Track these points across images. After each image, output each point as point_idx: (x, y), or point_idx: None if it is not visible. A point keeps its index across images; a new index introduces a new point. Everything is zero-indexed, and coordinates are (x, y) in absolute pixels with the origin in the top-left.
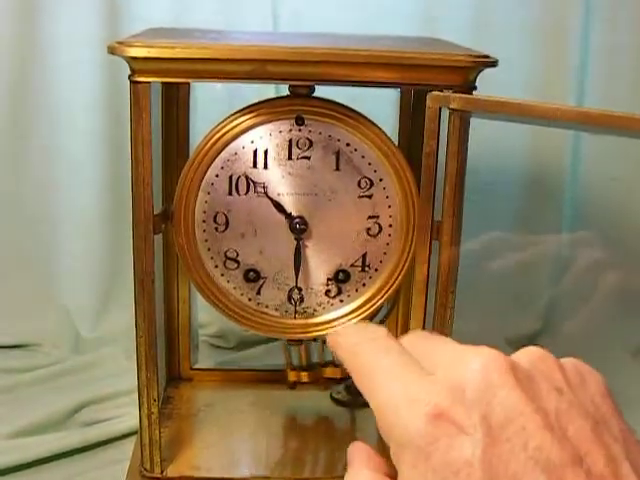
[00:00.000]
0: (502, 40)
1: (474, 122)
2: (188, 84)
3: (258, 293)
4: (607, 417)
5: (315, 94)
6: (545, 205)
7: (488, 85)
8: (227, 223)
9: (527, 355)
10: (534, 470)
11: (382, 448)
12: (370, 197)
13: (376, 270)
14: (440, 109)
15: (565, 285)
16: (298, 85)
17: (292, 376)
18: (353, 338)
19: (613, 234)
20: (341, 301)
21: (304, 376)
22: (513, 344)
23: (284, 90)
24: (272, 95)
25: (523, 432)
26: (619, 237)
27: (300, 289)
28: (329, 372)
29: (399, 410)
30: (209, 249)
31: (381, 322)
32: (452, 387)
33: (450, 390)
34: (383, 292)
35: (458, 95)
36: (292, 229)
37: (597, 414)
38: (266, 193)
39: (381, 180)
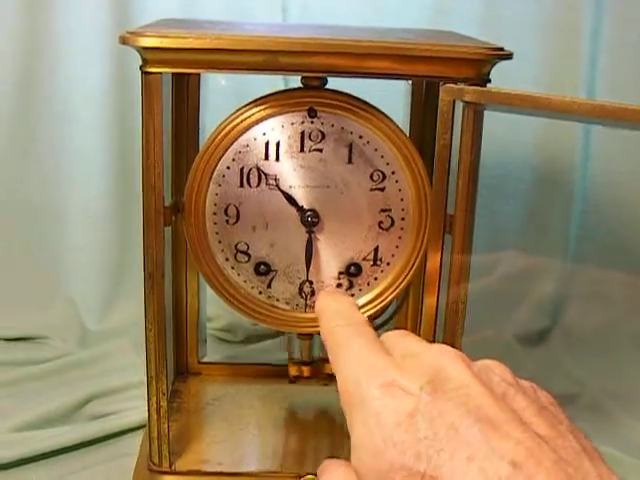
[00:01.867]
0: (513, 33)
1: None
2: (199, 75)
3: (269, 286)
4: (555, 412)
5: (327, 86)
6: (554, 200)
7: (498, 78)
8: (238, 215)
9: (485, 361)
10: (469, 419)
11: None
12: (382, 190)
13: (388, 264)
14: (454, 102)
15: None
16: (310, 77)
17: (293, 370)
18: (334, 321)
19: (623, 229)
20: (352, 295)
21: (305, 370)
22: (522, 340)
23: (293, 82)
24: (282, 87)
25: (466, 396)
26: (629, 232)
27: (311, 282)
28: (330, 368)
29: (360, 382)
30: (220, 242)
31: (391, 317)
32: (408, 365)
33: (405, 367)
34: (395, 286)
35: (472, 88)
36: (304, 222)
37: (544, 406)
38: (278, 185)
39: (393, 173)
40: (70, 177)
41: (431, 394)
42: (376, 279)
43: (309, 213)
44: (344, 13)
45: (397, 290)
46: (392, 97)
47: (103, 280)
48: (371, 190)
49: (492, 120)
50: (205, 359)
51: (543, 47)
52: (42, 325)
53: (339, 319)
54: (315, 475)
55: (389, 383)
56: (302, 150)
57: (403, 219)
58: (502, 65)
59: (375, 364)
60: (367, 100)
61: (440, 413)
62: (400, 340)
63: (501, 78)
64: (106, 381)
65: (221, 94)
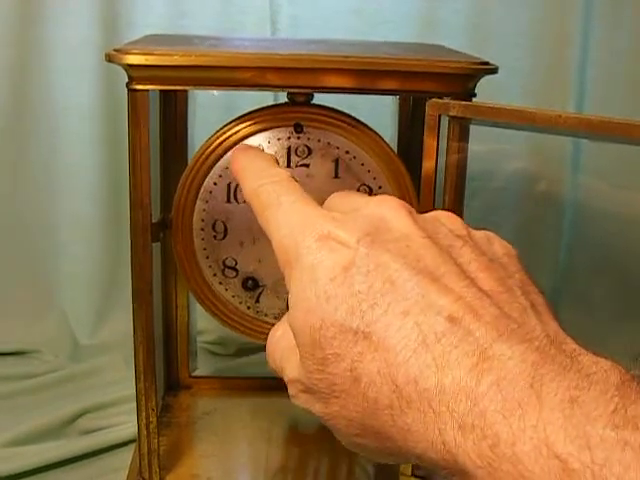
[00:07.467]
0: (500, 45)
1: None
2: (186, 91)
3: (257, 301)
4: (507, 264)
5: (313, 101)
6: (545, 210)
7: (485, 90)
8: (225, 231)
9: (434, 212)
10: (408, 272)
11: None
12: None
13: None
14: (440, 116)
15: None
16: (297, 92)
17: None
18: (257, 180)
19: (613, 242)
20: None
21: None
22: None
23: (282, 96)
24: (270, 102)
25: (406, 248)
26: (619, 244)
27: None
28: None
29: (295, 237)
30: (207, 257)
31: None
32: (346, 218)
33: (343, 219)
34: None
35: (458, 102)
36: None
37: (495, 259)
38: None
39: (380, 187)
40: (61, 191)
41: (369, 246)
42: None
43: None
44: (333, 25)
45: None
46: (379, 111)
47: (95, 294)
48: None
49: (481, 130)
50: (196, 373)
51: (532, 57)
52: (34, 339)
53: (263, 178)
54: None
55: (325, 236)
56: (289, 165)
57: None
58: (491, 77)
59: (310, 217)
60: (353, 115)
61: (377, 266)
62: (341, 200)
63: (489, 90)
64: (98, 395)
65: (210, 108)
